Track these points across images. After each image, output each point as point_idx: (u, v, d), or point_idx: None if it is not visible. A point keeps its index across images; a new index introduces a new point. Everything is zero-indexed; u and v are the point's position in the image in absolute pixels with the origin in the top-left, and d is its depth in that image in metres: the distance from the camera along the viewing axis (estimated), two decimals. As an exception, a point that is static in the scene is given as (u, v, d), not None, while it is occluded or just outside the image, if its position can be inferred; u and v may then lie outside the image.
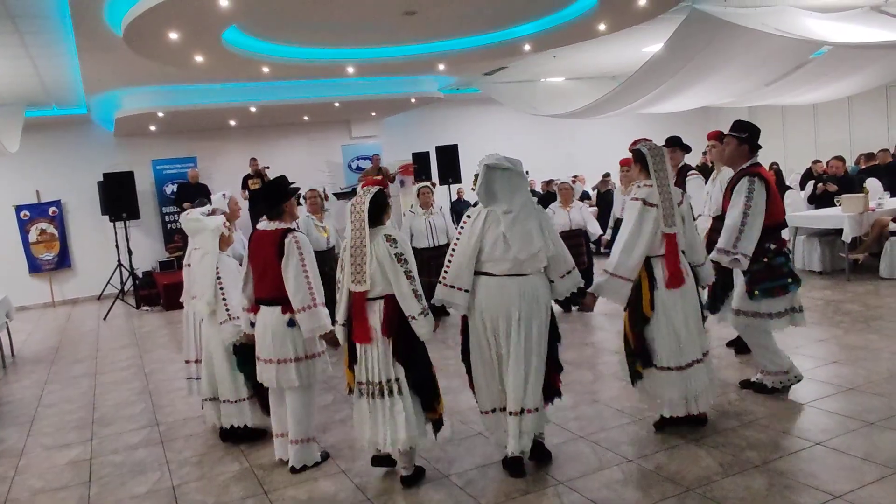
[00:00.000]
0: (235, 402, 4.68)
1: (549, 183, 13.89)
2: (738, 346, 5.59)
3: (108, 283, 12.35)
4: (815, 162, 11.88)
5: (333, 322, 4.00)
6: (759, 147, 4.70)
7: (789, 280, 4.53)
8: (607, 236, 9.03)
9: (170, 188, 13.61)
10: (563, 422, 4.53)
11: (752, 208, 4.40)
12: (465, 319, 3.92)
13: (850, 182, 9.54)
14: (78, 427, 5.55)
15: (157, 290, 11.73)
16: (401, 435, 3.71)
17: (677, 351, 4.04)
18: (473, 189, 4.19)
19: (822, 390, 4.70)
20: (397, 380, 3.74)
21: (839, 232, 8.29)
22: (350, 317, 3.81)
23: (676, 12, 8.36)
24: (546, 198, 13.12)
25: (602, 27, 8.75)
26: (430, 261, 7.48)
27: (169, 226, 13.73)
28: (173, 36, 7.37)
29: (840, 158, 10.07)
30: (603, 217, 10.53)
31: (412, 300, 3.67)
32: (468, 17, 8.25)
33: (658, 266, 4.06)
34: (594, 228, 8.23)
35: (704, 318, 4.29)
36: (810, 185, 10.38)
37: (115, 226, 11.69)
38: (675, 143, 6.20)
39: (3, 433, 5.59)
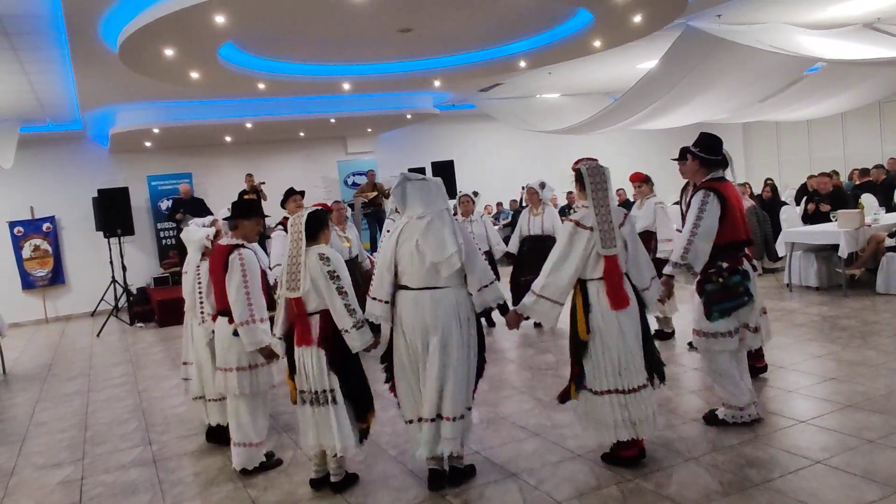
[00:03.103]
0: (218, 400, 4.89)
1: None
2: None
3: (102, 299, 12.27)
4: (811, 177, 11.92)
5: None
6: (716, 161, 4.47)
7: (746, 298, 4.35)
8: None
9: (165, 204, 13.58)
10: (561, 440, 4.49)
11: (703, 223, 4.27)
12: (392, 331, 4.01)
13: (843, 197, 9.56)
14: (69, 446, 5.48)
15: (152, 307, 11.67)
16: (335, 443, 3.90)
17: (616, 375, 3.91)
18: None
19: (820, 407, 4.67)
20: (332, 390, 3.92)
21: (835, 247, 8.29)
22: (290, 328, 4.03)
23: (671, 29, 8.41)
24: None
25: (597, 44, 8.79)
26: None
27: (164, 241, 13.69)
28: (169, 52, 7.38)
29: (826, 174, 10.08)
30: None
31: (344, 314, 3.86)
32: (463, 34, 8.29)
33: (594, 289, 3.94)
34: None
35: (648, 344, 4.06)
36: (804, 202, 10.39)
37: (109, 242, 11.63)
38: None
39: (-7, 452, 5.51)
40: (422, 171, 13.88)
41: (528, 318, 4.15)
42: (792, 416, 4.55)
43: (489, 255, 8.16)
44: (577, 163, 4.14)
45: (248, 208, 4.58)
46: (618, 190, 8.29)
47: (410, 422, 3.97)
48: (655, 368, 4.07)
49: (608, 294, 3.89)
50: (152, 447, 5.24)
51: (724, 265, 4.34)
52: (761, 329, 4.59)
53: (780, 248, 9.25)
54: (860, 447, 3.95)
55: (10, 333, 9.14)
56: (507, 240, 9.16)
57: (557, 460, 4.18)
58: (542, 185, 8.08)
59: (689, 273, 4.32)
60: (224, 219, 4.75)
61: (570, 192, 14.57)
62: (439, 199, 3.93)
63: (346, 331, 3.87)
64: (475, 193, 9.80)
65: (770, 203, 10.87)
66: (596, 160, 4.12)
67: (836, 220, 8.62)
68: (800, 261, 8.90)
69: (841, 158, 15.21)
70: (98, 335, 10.72)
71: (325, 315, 3.93)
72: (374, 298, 3.96)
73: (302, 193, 7.14)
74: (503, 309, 4.03)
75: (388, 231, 4.01)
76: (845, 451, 3.92)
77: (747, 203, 8.05)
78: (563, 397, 4.14)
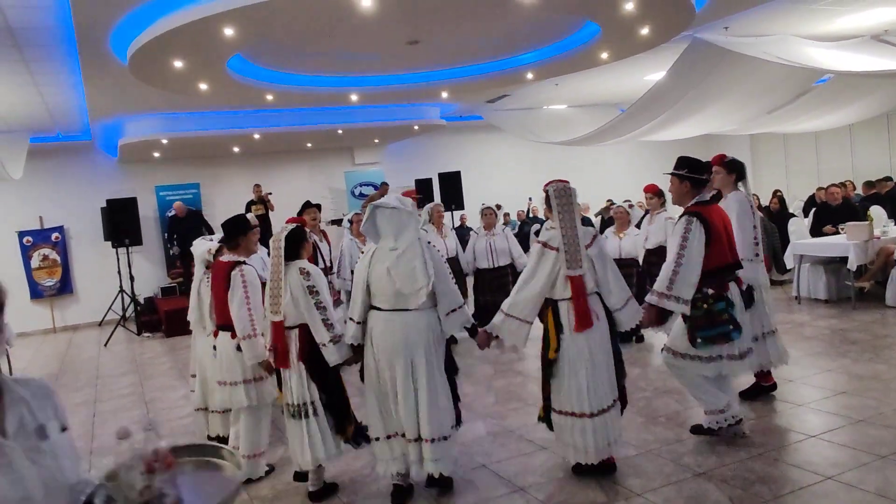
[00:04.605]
0: (222, 412, 4.94)
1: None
2: (750, 393, 5.25)
3: (110, 309, 12.30)
4: (820, 189, 11.87)
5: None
6: (704, 180, 4.42)
7: (731, 327, 4.24)
8: None
9: (172, 214, 13.62)
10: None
11: (687, 251, 4.19)
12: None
13: (853, 209, 9.50)
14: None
15: (159, 316, 11.68)
16: (317, 454, 4.02)
17: (582, 397, 3.91)
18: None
19: (831, 422, 4.62)
20: (312, 402, 4.02)
21: (844, 260, 8.23)
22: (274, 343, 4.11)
23: (678, 41, 8.41)
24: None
25: (604, 56, 8.81)
26: (492, 281, 7.88)
27: (171, 252, 13.72)
28: (178, 64, 7.43)
29: (836, 186, 10.03)
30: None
31: (322, 329, 3.94)
32: (471, 45, 8.31)
33: (564, 309, 3.95)
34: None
35: (618, 366, 4.07)
36: (812, 214, 10.34)
37: (117, 252, 11.67)
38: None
39: (-1, 463, 5.50)
40: (428, 182, 13.95)
41: (497, 338, 4.20)
42: (802, 431, 4.51)
43: (512, 268, 8.09)
44: (548, 184, 4.14)
45: (241, 225, 4.56)
46: (629, 205, 8.17)
47: (377, 439, 3.98)
48: (620, 393, 4.07)
49: (573, 314, 3.90)
50: (158, 459, 5.22)
51: (710, 291, 4.25)
52: (753, 355, 4.52)
53: (789, 261, 9.20)
54: (872, 463, 3.91)
55: (17, 343, 9.16)
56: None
57: (565, 475, 4.15)
58: None
59: (678, 304, 4.22)
60: (221, 242, 4.73)
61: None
62: (411, 227, 3.89)
63: (324, 345, 3.94)
64: (498, 206, 9.77)
65: (778, 215, 10.83)
66: (566, 182, 4.10)
67: (845, 233, 8.57)
68: (808, 273, 8.85)
69: (849, 170, 15.14)
70: (105, 345, 10.74)
71: (304, 329, 4.01)
72: (350, 319, 3.99)
73: (319, 207, 7.14)
74: (472, 331, 4.09)
75: (363, 252, 4.03)
76: (857, 468, 3.87)
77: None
78: (540, 417, 4.20)
